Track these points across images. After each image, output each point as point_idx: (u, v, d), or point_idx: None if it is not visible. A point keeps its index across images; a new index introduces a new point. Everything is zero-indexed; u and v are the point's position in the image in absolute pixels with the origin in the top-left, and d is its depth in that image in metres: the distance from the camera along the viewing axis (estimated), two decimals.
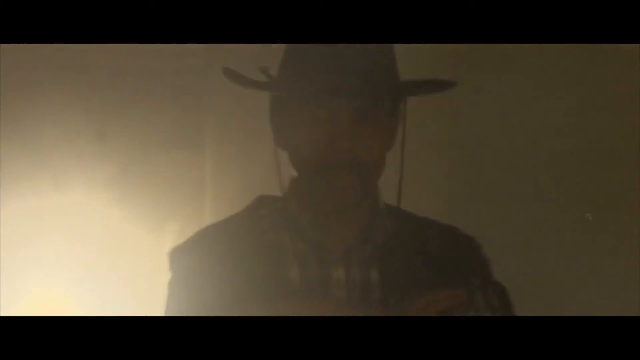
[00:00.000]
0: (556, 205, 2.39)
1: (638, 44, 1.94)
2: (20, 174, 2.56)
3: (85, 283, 2.49)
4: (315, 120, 1.31)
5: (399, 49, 1.41)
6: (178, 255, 1.39)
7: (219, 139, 2.57)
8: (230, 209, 1.50)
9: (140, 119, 2.61)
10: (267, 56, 1.41)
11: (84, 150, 2.56)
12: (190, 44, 1.45)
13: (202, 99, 2.57)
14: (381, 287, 1.34)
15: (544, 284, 2.40)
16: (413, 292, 1.27)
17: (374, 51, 1.32)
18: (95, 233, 2.55)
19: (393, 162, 1.39)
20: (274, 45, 1.37)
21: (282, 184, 1.40)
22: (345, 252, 1.35)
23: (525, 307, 2.40)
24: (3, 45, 2.03)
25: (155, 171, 2.59)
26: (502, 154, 2.50)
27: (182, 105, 2.52)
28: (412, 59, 2.60)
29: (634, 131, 2.20)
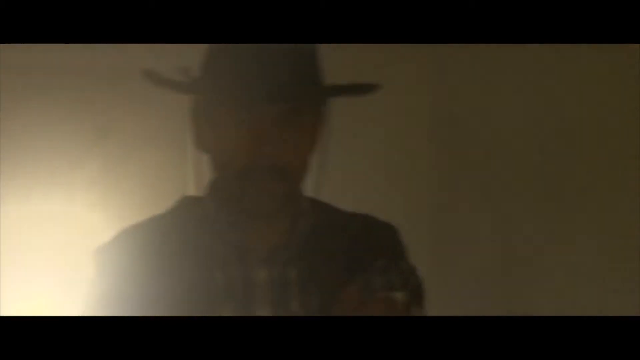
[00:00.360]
0: (555, 206, 2.39)
1: (638, 44, 1.94)
2: (14, 174, 2.56)
3: (67, 283, 2.49)
4: (237, 123, 1.29)
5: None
6: (101, 253, 1.38)
7: None
8: None
9: (121, 119, 2.61)
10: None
11: (64, 152, 2.55)
12: (174, 44, 1.44)
13: (184, 99, 2.57)
14: (304, 286, 1.32)
15: (543, 284, 2.40)
16: (333, 295, 1.26)
17: (296, 53, 1.29)
18: (75, 233, 2.55)
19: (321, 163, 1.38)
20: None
21: (203, 185, 1.39)
22: (269, 253, 1.34)
23: (524, 307, 2.41)
24: (3, 45, 2.03)
25: (136, 171, 2.59)
26: (501, 153, 2.50)
27: (164, 104, 2.50)
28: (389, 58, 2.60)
29: (634, 131, 2.21)
